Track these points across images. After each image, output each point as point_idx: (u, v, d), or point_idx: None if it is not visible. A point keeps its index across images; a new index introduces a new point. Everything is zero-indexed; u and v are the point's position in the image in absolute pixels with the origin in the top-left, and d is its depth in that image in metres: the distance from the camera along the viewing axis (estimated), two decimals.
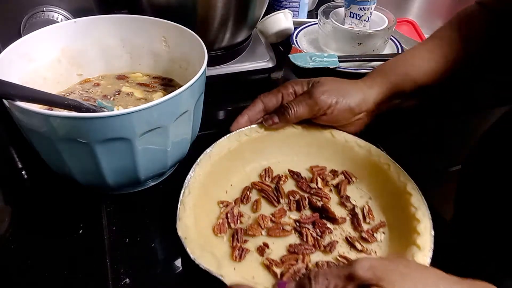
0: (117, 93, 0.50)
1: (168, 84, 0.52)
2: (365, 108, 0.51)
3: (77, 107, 0.39)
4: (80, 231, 0.43)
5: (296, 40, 0.77)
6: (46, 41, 0.47)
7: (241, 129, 0.50)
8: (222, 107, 0.63)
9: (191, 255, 0.37)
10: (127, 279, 0.39)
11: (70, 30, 0.49)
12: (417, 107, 0.56)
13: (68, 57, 0.50)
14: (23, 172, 0.50)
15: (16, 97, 0.35)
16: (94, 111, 0.40)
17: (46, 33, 0.46)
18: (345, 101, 0.50)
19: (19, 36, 0.55)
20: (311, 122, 0.52)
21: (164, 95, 0.50)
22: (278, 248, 0.42)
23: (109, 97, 0.49)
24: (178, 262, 0.41)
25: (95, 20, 0.50)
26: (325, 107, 0.49)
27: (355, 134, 0.52)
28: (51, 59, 0.48)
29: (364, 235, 0.43)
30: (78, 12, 0.57)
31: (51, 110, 0.41)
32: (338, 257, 0.41)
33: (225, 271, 0.37)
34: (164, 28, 0.50)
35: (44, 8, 0.55)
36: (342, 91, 0.50)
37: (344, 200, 0.47)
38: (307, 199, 0.46)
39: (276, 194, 0.47)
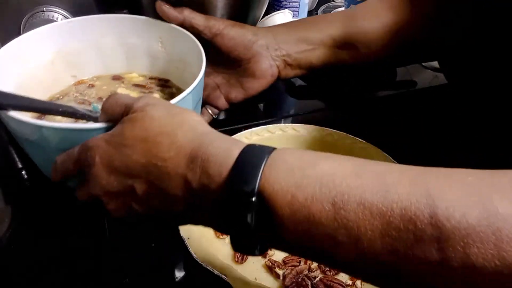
0: None
1: (164, 85, 0.52)
2: (268, 41, 0.51)
3: (72, 114, 0.38)
4: (80, 231, 0.43)
5: None
6: (40, 41, 0.46)
7: (241, 133, 0.50)
8: None
9: (194, 255, 0.37)
10: (127, 279, 0.39)
11: (64, 30, 0.47)
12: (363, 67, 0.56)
13: (63, 58, 0.49)
14: (23, 172, 0.50)
15: (9, 106, 0.34)
16: (89, 116, 0.38)
17: (40, 33, 0.45)
18: (242, 29, 0.51)
19: (19, 36, 0.55)
20: (312, 124, 0.52)
21: (162, 96, 0.49)
22: None
23: (104, 99, 0.48)
24: (179, 263, 0.41)
25: (90, 19, 0.49)
26: (221, 24, 0.50)
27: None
28: (45, 60, 0.47)
29: None
30: (78, 12, 0.57)
31: (44, 117, 0.40)
32: None
33: (228, 272, 0.36)
34: (160, 29, 0.49)
35: (44, 8, 0.55)
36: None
37: None
38: None
39: None
